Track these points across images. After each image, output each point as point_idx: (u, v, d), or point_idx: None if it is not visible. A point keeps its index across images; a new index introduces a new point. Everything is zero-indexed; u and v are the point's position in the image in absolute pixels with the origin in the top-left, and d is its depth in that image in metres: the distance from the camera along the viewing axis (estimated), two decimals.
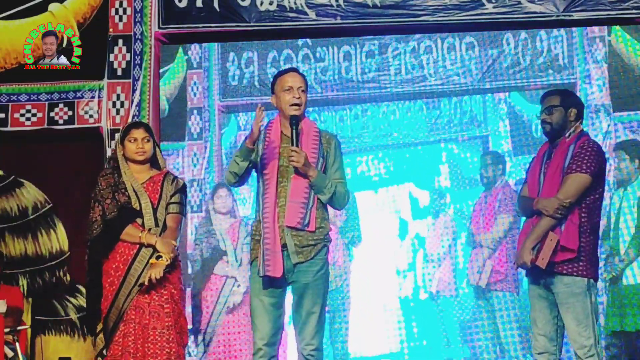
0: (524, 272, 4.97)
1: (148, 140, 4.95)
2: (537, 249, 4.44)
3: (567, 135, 4.61)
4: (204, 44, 7.06)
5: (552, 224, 4.44)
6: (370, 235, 6.78)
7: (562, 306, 4.47)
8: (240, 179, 4.43)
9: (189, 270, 6.79)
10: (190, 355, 6.73)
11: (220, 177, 6.84)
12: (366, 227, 6.76)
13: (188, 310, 6.77)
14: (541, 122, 4.67)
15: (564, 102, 4.63)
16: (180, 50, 7.03)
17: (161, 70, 7.01)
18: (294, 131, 4.31)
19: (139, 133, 4.94)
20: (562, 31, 6.80)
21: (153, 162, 5.02)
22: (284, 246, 4.30)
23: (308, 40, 7.02)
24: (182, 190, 5.00)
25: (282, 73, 4.52)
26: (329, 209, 4.50)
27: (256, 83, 6.98)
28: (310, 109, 6.76)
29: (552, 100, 4.65)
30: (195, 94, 7.03)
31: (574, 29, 6.80)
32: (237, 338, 6.62)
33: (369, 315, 6.72)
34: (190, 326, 6.71)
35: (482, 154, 6.76)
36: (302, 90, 4.41)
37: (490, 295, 6.58)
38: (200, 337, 6.76)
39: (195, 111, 7.00)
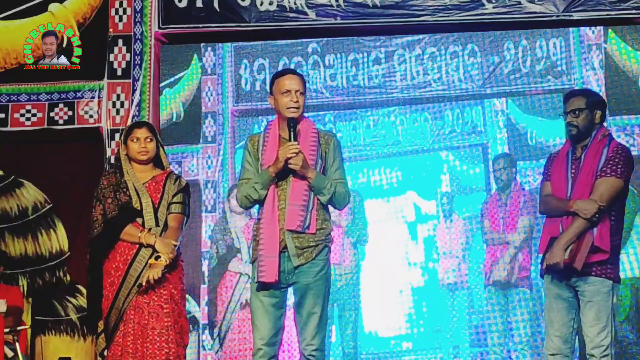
0: (538, 271, 4.95)
1: (151, 140, 4.91)
2: (571, 250, 4.39)
3: (594, 136, 4.53)
4: (217, 50, 7.15)
5: (587, 226, 4.38)
6: (382, 237, 6.99)
7: (585, 304, 4.43)
8: (255, 204, 4.41)
9: (204, 267, 6.97)
10: (205, 349, 6.89)
11: (233, 179, 6.97)
12: (378, 230, 6.97)
13: (203, 305, 6.92)
14: (568, 125, 4.54)
15: (589, 103, 4.54)
16: (195, 57, 7.15)
17: (177, 77, 7.10)
18: (292, 133, 4.29)
19: (141, 132, 4.90)
20: (560, 39, 6.88)
21: (156, 161, 4.99)
22: (285, 248, 4.28)
23: (317, 47, 7.10)
24: (184, 190, 4.94)
25: (279, 75, 4.44)
26: (331, 209, 4.48)
27: (267, 88, 7.03)
28: (322, 112, 7.03)
29: (578, 102, 4.55)
30: (209, 99, 7.17)
31: (571, 36, 6.88)
32: (252, 332, 6.75)
33: (380, 304, 6.97)
34: (205, 321, 6.91)
35: (494, 158, 6.92)
36: (300, 93, 4.35)
37: (510, 292, 6.73)
38: (215, 332, 6.92)
39: (209, 115, 7.15)
